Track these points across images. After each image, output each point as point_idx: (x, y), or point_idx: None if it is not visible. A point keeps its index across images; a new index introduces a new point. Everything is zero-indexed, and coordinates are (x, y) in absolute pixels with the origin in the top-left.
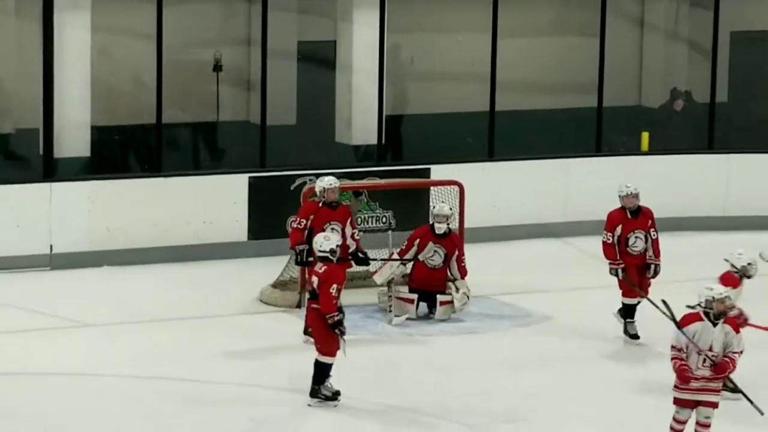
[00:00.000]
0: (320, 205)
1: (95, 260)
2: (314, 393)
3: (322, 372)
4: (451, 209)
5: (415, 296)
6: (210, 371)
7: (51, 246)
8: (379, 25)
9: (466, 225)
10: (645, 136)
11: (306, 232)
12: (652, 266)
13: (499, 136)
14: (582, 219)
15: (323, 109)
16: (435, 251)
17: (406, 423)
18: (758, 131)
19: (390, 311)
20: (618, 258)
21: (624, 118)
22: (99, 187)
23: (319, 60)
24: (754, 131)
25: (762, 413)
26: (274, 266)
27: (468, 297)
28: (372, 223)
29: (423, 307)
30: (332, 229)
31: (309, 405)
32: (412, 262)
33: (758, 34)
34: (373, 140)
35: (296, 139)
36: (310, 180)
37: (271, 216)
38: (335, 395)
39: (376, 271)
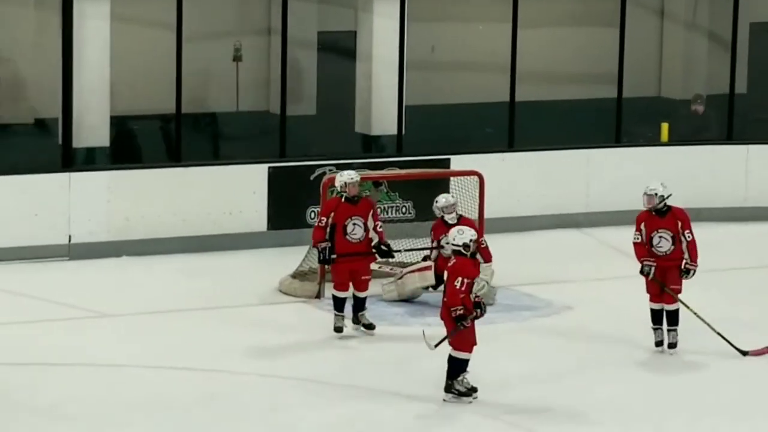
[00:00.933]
0: (342, 200)
1: (114, 250)
2: (448, 388)
3: (456, 367)
4: (453, 196)
5: (430, 263)
6: (229, 362)
7: (69, 236)
8: (399, 15)
9: (486, 215)
10: (665, 127)
11: (328, 229)
12: (691, 271)
13: (519, 126)
14: (602, 210)
15: (343, 99)
16: None
17: (423, 413)
18: None
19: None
20: (647, 255)
21: (644, 109)
22: (118, 177)
23: (340, 50)
24: None
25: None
26: (294, 256)
27: (488, 283)
28: (392, 213)
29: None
30: (354, 224)
31: (444, 400)
32: (434, 258)
33: None
34: (393, 130)
35: (316, 129)
36: (330, 170)
37: (290, 206)
38: (471, 391)
39: (400, 276)
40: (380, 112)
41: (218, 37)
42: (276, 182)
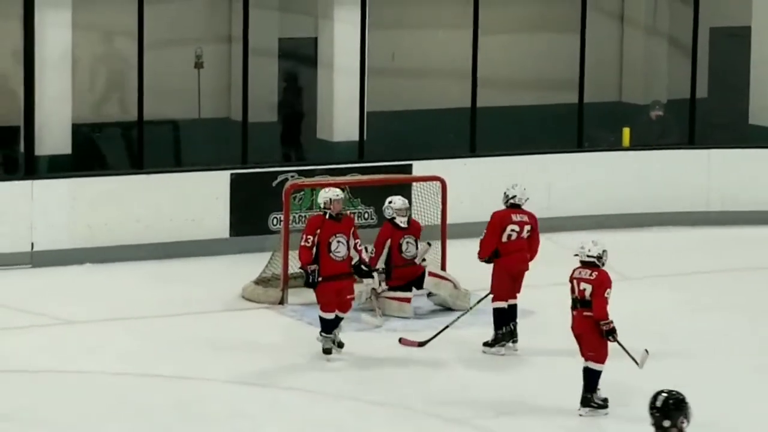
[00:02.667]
0: (326, 217)
1: (77, 258)
2: (586, 402)
3: (594, 379)
4: (403, 199)
5: (410, 294)
6: (194, 368)
7: (32, 243)
8: (360, 22)
9: (448, 221)
10: (626, 132)
11: (314, 249)
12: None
13: (481, 132)
14: (563, 215)
15: (305, 106)
16: (408, 243)
17: (388, 418)
18: (738, 126)
19: (380, 315)
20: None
21: (605, 114)
22: (81, 184)
23: (301, 57)
24: (734, 126)
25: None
26: (257, 263)
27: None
28: (355, 220)
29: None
30: (338, 241)
31: (580, 414)
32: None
33: (737, 30)
34: (355, 137)
35: (278, 136)
36: (292, 176)
37: (253, 213)
38: (605, 402)
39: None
40: (341, 118)
41: (179, 44)
42: (238, 189)
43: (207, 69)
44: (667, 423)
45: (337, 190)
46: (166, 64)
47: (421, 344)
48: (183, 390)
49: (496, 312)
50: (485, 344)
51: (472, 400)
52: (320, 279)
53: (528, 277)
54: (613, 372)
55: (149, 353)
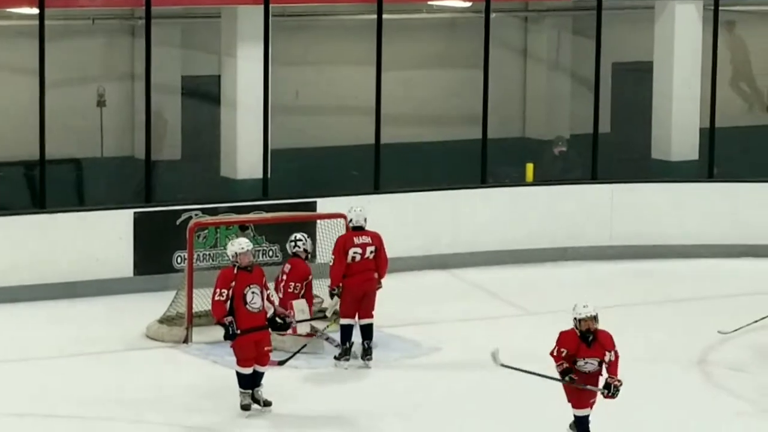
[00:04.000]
0: (235, 270)
1: None
2: None
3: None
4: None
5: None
6: (98, 408)
7: None
8: (264, 59)
9: None
10: (530, 167)
11: (228, 302)
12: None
13: (385, 168)
14: (469, 250)
15: (208, 144)
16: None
17: None
18: (640, 161)
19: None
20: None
21: (509, 150)
22: None
23: (204, 95)
24: (636, 161)
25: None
26: (161, 301)
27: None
28: (259, 257)
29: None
30: (252, 292)
31: None
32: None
33: (639, 65)
34: (259, 174)
35: (181, 174)
36: (196, 215)
37: (157, 251)
38: None
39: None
40: (245, 156)
41: (81, 82)
42: (142, 227)
43: (109, 107)
44: None
45: (244, 240)
46: (68, 102)
47: (281, 363)
48: (87, 431)
49: (343, 328)
50: (335, 357)
51: None
52: (239, 332)
53: (434, 314)
54: None
55: (52, 394)
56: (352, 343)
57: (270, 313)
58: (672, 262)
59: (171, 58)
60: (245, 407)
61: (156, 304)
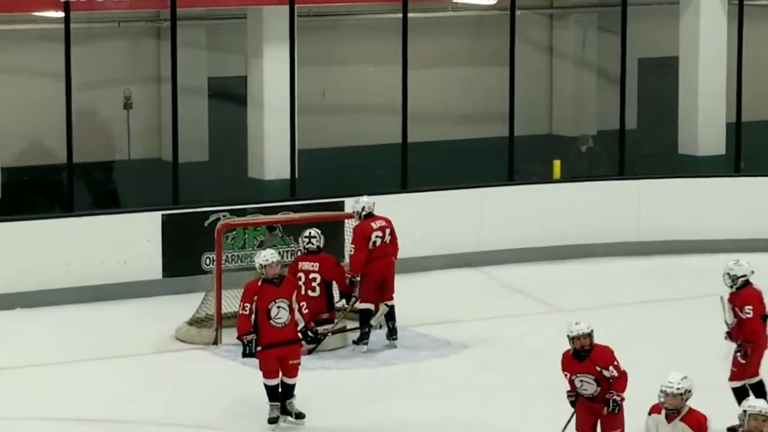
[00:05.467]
0: (260, 283)
1: (7, 303)
2: None
3: None
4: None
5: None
6: (128, 411)
7: None
8: (290, 60)
9: None
10: (557, 164)
11: (253, 317)
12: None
13: (412, 167)
14: (496, 248)
15: (235, 145)
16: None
17: None
18: (668, 156)
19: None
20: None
21: (536, 147)
22: (10, 228)
23: (231, 96)
24: (663, 156)
25: None
26: (190, 303)
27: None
28: (288, 257)
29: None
30: (278, 307)
31: None
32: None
33: (665, 60)
34: (286, 174)
35: (209, 176)
36: (224, 216)
37: (185, 253)
38: None
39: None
40: (273, 156)
41: (108, 85)
42: (170, 229)
43: (136, 109)
44: None
45: (269, 252)
46: (95, 105)
47: (310, 351)
48: None
49: (362, 313)
50: (353, 341)
51: None
52: (259, 348)
53: (462, 312)
54: None
55: (82, 397)
56: (371, 326)
57: (301, 326)
58: (701, 258)
59: (197, 59)
60: (272, 420)
61: (185, 306)
